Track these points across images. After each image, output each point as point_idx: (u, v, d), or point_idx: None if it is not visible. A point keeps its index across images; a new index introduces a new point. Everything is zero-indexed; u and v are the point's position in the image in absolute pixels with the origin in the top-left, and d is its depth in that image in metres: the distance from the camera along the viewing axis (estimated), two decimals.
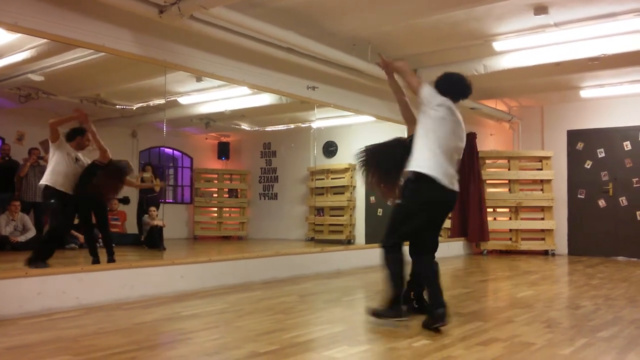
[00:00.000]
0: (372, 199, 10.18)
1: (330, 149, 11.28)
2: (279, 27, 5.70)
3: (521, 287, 5.91)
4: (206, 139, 12.64)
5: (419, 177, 3.73)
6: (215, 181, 12.56)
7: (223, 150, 12.80)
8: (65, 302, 4.40)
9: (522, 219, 10.07)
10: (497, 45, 6.86)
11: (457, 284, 6.15)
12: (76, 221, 6.42)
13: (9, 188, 8.48)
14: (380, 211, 9.87)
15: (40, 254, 5.52)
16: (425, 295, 4.02)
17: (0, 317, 3.99)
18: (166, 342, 3.48)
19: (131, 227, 9.53)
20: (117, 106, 8.69)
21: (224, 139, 12.83)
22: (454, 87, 3.95)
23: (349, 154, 10.75)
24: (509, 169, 10.14)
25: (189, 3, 4.86)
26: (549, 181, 10.10)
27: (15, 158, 8.64)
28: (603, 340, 3.48)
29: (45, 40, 5.03)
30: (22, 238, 7.89)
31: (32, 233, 8.02)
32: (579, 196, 10.20)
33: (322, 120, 9.43)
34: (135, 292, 4.90)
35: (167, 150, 11.83)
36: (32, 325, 3.83)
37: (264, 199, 12.44)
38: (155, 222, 8.91)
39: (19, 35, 4.86)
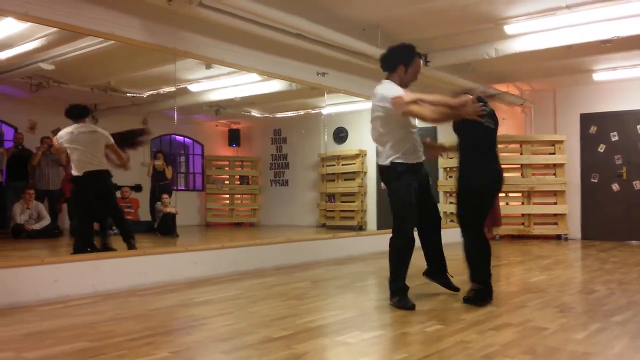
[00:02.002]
0: (383, 185, 10.16)
1: (340, 135, 11.26)
2: (288, 13, 5.67)
3: (534, 272, 5.89)
4: (217, 126, 12.66)
5: None
6: (227, 168, 12.60)
7: (234, 137, 12.82)
8: (81, 289, 4.46)
9: (534, 203, 10.02)
10: (508, 29, 6.79)
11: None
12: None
13: (23, 177, 8.57)
14: None
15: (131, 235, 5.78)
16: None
17: (17, 304, 4.05)
18: (181, 328, 3.52)
19: (144, 215, 9.60)
20: (128, 94, 8.73)
21: (234, 126, 12.84)
22: None
23: (359, 140, 10.74)
24: (521, 154, 10.07)
25: None
26: (561, 165, 10.03)
27: (28, 147, 8.72)
28: (617, 324, 3.47)
29: (55, 29, 5.03)
30: (37, 226, 7.98)
31: (46, 221, 8.12)
32: (592, 180, 10.13)
33: (332, 106, 9.40)
34: (149, 278, 4.95)
35: (178, 137, 11.87)
36: (49, 312, 3.88)
37: (275, 185, 12.47)
38: (168, 209, 8.97)
39: (29, 24, 4.86)
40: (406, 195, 4.01)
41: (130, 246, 5.63)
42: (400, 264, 4.02)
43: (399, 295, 3.99)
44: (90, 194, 5.73)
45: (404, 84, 4.06)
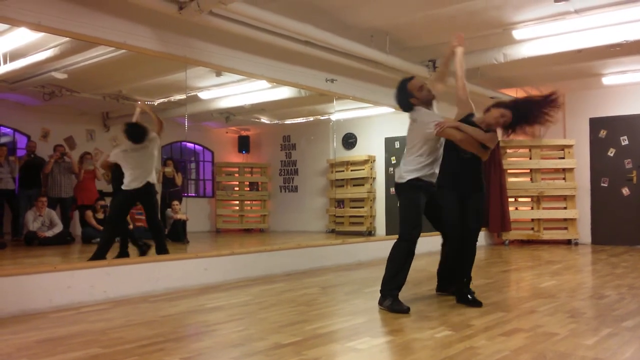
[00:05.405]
0: (392, 190, 10.17)
1: (349, 141, 11.27)
2: (297, 21, 5.71)
3: (544, 277, 5.88)
4: (226, 132, 12.73)
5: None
6: (236, 174, 12.65)
7: (243, 144, 12.88)
8: (93, 296, 4.51)
9: (544, 208, 9.99)
10: (516, 34, 6.79)
11: (479, 274, 6.13)
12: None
13: (35, 184, 8.66)
14: None
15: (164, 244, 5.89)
16: None
17: (31, 310, 4.11)
18: (192, 334, 3.55)
19: None
20: (139, 102, 8.79)
21: (244, 133, 12.90)
22: None
23: (368, 146, 10.74)
24: (530, 158, 10.05)
25: None
26: (571, 170, 9.99)
27: (41, 155, 8.80)
28: (627, 330, 3.46)
29: (68, 38, 5.10)
30: (49, 233, 8.05)
31: (59, 228, 8.18)
32: (602, 184, 10.08)
33: (341, 112, 9.41)
34: (160, 285, 4.99)
35: (188, 144, 11.94)
36: (62, 319, 3.93)
37: (285, 191, 12.50)
38: (179, 216, 9.02)
39: (42, 34, 4.94)
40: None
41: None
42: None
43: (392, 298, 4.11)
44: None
45: (428, 106, 4.27)
